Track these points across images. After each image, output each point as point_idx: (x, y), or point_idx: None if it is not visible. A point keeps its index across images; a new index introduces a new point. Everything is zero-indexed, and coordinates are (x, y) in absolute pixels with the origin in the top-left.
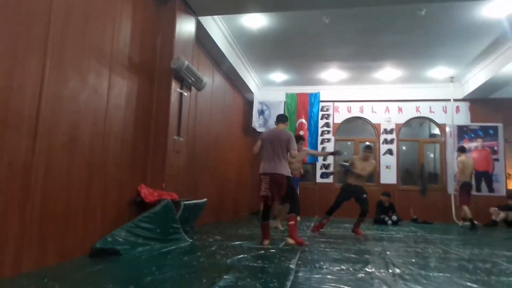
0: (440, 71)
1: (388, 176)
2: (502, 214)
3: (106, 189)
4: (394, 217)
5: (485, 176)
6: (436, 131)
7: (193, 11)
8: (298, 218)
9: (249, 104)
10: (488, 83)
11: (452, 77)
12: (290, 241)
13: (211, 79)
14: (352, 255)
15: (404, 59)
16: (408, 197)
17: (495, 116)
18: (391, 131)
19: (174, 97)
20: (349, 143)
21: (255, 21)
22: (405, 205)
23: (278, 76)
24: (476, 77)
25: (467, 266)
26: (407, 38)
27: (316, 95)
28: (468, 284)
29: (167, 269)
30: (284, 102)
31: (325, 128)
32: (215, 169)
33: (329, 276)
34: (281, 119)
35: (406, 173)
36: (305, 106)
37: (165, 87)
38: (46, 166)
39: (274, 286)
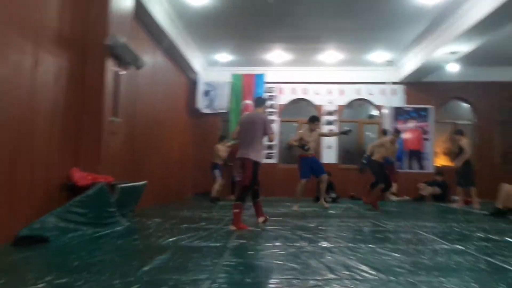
0: (379, 55)
1: (329, 155)
2: (429, 189)
3: (32, 173)
4: (333, 195)
5: (416, 155)
6: (375, 112)
7: None
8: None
9: (194, 84)
10: (422, 67)
11: (390, 61)
12: (233, 228)
13: (153, 58)
14: (288, 232)
15: (346, 42)
16: (348, 176)
17: (428, 98)
18: (333, 113)
19: (109, 76)
20: (294, 124)
21: None
22: (344, 183)
23: (224, 56)
24: (411, 61)
25: (390, 237)
26: (348, 22)
27: (261, 76)
28: (388, 253)
29: (97, 253)
30: (230, 83)
31: (270, 109)
32: (158, 150)
33: (261, 252)
34: (257, 103)
35: (346, 153)
36: (250, 87)
37: (99, 65)
38: None
39: (206, 265)
